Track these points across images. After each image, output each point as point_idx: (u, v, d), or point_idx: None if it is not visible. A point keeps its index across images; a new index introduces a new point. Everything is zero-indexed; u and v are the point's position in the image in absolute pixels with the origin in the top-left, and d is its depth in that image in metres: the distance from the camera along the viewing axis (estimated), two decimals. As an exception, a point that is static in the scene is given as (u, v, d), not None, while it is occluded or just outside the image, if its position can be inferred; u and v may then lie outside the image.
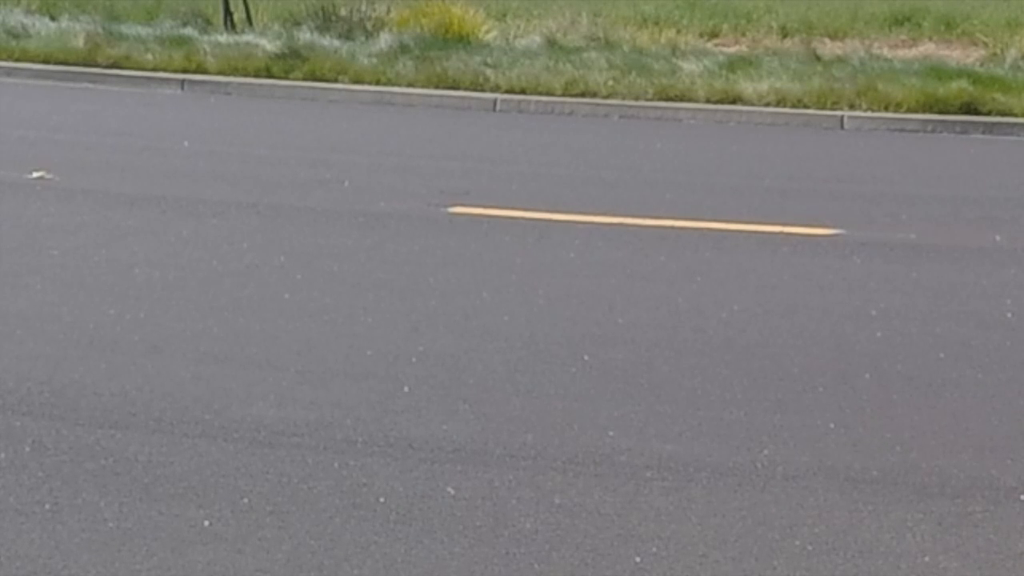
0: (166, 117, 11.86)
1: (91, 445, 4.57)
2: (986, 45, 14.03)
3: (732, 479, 4.37)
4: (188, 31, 14.71)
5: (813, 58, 13.37)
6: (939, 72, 12.53)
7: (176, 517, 4.03)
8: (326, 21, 14.75)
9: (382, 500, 4.18)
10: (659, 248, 7.32)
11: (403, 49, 13.77)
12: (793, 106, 12.11)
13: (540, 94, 12.62)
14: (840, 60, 13.25)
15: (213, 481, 4.30)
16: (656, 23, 15.41)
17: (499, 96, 12.62)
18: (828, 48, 14.19)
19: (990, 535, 3.98)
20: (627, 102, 12.31)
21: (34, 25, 15.18)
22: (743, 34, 15.15)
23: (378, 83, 13.08)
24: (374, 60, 13.50)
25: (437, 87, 12.88)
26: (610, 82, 12.62)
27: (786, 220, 7.96)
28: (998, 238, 7.64)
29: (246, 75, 13.41)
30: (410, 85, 12.97)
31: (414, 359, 5.50)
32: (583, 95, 12.53)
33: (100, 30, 14.57)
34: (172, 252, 7.15)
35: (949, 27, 14.93)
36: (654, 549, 3.88)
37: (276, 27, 14.82)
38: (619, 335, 5.82)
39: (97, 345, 5.63)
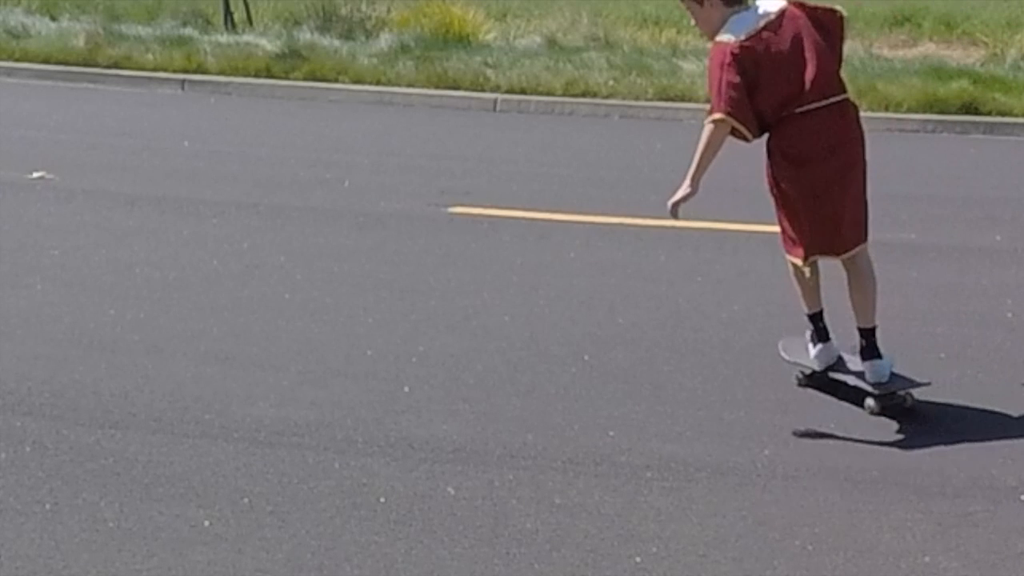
0: (166, 117, 11.86)
1: (91, 445, 4.57)
2: (986, 45, 14.02)
3: (732, 479, 4.37)
4: (188, 31, 14.71)
5: (813, 58, 13.36)
6: (939, 72, 12.52)
7: (176, 517, 4.03)
8: (326, 21, 14.75)
9: (382, 500, 4.18)
10: (659, 248, 7.32)
11: (403, 49, 13.77)
12: (793, 106, 12.09)
13: (540, 94, 12.62)
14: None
15: (213, 481, 4.30)
16: (656, 23, 15.40)
17: (499, 96, 12.62)
18: (828, 48, 14.18)
19: (990, 535, 3.98)
20: (627, 102, 12.30)
21: (34, 25, 15.19)
22: (743, 34, 15.12)
23: (378, 83, 13.08)
24: (374, 60, 13.50)
25: (437, 87, 12.87)
26: (610, 82, 12.62)
27: (786, 220, 7.95)
28: (998, 238, 7.64)
29: (246, 75, 13.41)
30: (410, 85, 12.96)
31: (414, 359, 5.50)
32: (583, 95, 12.53)
33: (100, 30, 14.58)
34: (172, 252, 7.15)
35: (949, 27, 14.92)
36: (654, 549, 3.88)
37: (276, 27, 14.83)
38: (619, 335, 5.82)
39: (97, 345, 5.64)
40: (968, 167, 10.12)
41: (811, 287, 5.25)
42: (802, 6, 5.08)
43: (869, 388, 5.03)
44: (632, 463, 4.48)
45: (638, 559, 3.82)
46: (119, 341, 5.69)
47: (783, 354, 5.35)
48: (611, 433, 4.74)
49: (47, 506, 4.11)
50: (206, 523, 4.00)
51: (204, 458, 4.48)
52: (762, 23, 4.96)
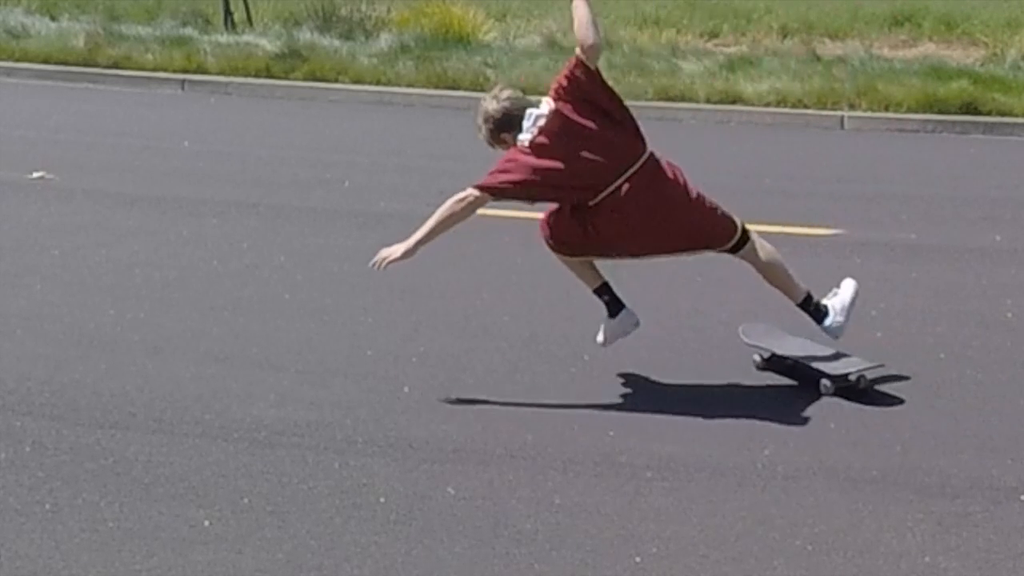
0: (166, 117, 11.86)
1: (91, 445, 4.57)
2: (986, 45, 14.02)
3: (732, 479, 4.37)
4: (188, 31, 14.72)
5: (813, 58, 13.38)
6: (939, 72, 12.53)
7: (176, 517, 4.03)
8: (326, 21, 14.75)
9: (382, 500, 4.18)
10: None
11: (403, 49, 13.78)
12: (793, 106, 12.10)
13: (540, 94, 12.52)
14: (840, 60, 13.25)
15: (213, 481, 4.30)
16: (656, 23, 15.40)
17: (499, 96, 12.60)
18: (828, 48, 14.19)
19: (990, 535, 3.98)
20: (627, 102, 12.27)
21: (34, 25, 15.19)
22: (743, 34, 15.14)
23: (378, 83, 13.08)
24: (374, 60, 13.50)
25: (437, 87, 12.88)
26: (610, 82, 12.59)
27: (786, 220, 7.96)
28: (998, 238, 7.64)
29: (246, 75, 13.42)
30: (410, 85, 12.97)
31: (414, 359, 5.50)
32: (583, 95, 12.51)
33: (100, 30, 14.58)
34: (172, 252, 7.15)
35: (949, 27, 14.92)
36: (654, 549, 3.88)
37: (276, 27, 14.83)
38: (619, 335, 5.82)
39: (97, 345, 5.63)
40: (968, 167, 10.12)
41: (581, 269, 5.36)
42: (559, 89, 5.20)
43: (824, 369, 5.19)
44: (632, 463, 4.48)
45: (638, 559, 3.82)
46: (119, 341, 5.69)
47: (743, 338, 5.49)
48: (611, 433, 4.74)
49: (47, 506, 4.11)
50: (206, 523, 4.00)
51: (204, 458, 4.48)
52: (537, 127, 5.13)
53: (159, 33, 14.63)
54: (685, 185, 5.18)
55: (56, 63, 13.94)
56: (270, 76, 13.40)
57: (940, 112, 11.67)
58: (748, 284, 6.65)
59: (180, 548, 3.85)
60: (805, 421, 4.89)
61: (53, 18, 15.72)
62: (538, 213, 8.24)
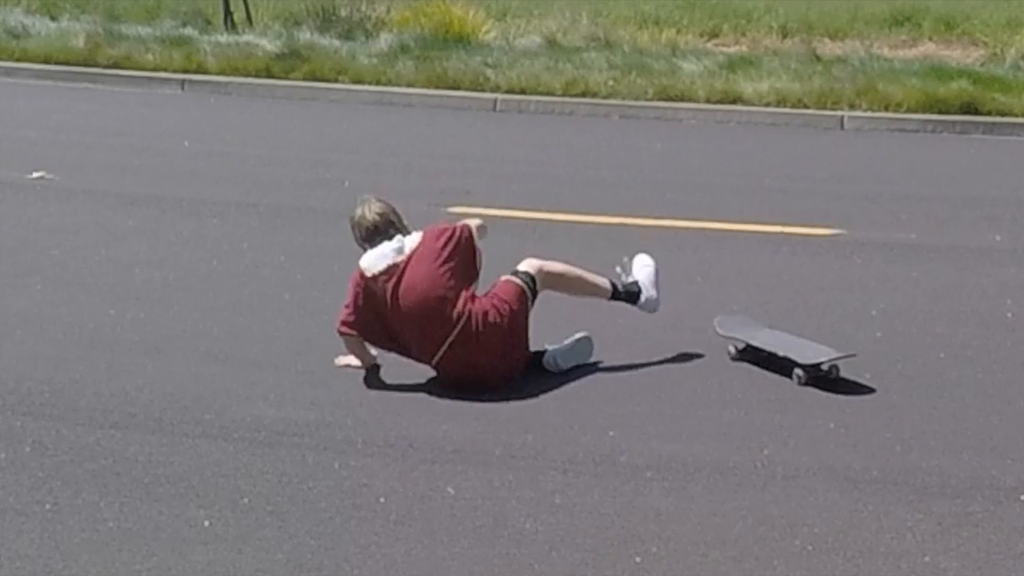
0: (166, 117, 11.87)
1: (91, 445, 4.57)
2: (986, 45, 14.03)
3: (732, 479, 4.37)
4: (188, 31, 14.73)
5: (813, 58, 13.38)
6: (939, 72, 12.53)
7: (176, 517, 4.03)
8: (326, 21, 14.76)
9: (382, 500, 4.18)
10: (659, 248, 7.29)
11: (403, 49, 13.78)
12: (793, 106, 12.11)
13: (540, 94, 12.63)
14: (840, 60, 13.25)
15: (213, 481, 4.30)
16: (656, 23, 15.42)
17: (499, 96, 12.62)
18: (828, 48, 14.20)
19: (990, 535, 3.98)
20: (627, 102, 12.31)
21: (34, 25, 15.20)
22: (743, 34, 15.16)
23: (378, 83, 13.09)
24: (374, 60, 13.51)
25: (437, 87, 12.88)
26: (610, 82, 12.62)
27: (786, 220, 7.96)
28: (998, 238, 7.64)
29: (246, 75, 13.42)
30: (410, 85, 12.98)
31: (414, 359, 5.50)
32: (583, 95, 12.54)
33: (100, 30, 14.59)
34: (172, 252, 7.15)
35: (949, 27, 14.94)
36: (654, 549, 3.88)
37: (276, 27, 14.84)
38: (619, 335, 5.82)
39: (97, 345, 5.63)
40: (968, 167, 10.12)
41: None
42: (432, 236, 5.27)
43: (797, 360, 5.26)
44: (632, 463, 4.48)
45: (638, 559, 3.82)
46: (119, 341, 5.69)
47: (718, 329, 5.59)
48: (611, 433, 4.74)
49: (47, 506, 4.11)
50: (206, 523, 4.00)
51: (204, 458, 4.48)
52: (390, 263, 5.19)
53: (159, 33, 14.63)
54: (489, 307, 5.28)
55: (56, 63, 13.95)
56: (270, 76, 13.40)
57: (940, 112, 11.68)
58: (748, 284, 6.66)
59: (180, 548, 3.84)
60: (805, 421, 4.89)
61: (53, 18, 15.72)
62: (535, 212, 8.26)
